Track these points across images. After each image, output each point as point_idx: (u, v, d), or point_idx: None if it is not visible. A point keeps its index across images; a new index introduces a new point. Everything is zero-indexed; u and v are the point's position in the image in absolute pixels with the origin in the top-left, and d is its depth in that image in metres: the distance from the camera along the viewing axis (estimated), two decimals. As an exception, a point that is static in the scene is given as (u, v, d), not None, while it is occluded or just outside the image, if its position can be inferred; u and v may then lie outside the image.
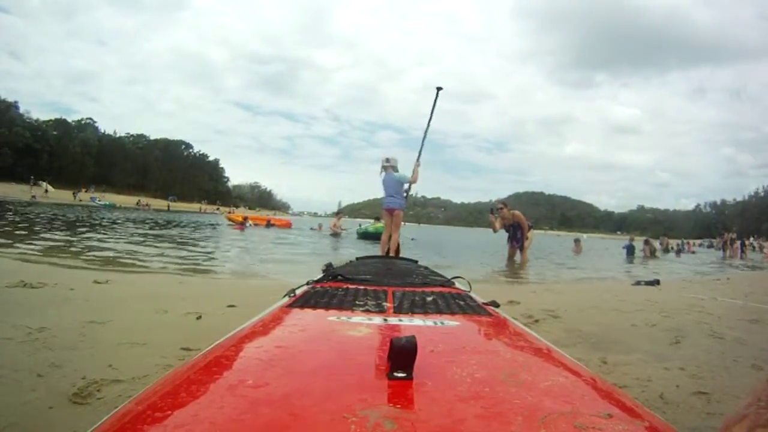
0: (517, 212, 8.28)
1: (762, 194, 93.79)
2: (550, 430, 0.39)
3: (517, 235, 8.19)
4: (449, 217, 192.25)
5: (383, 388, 0.47)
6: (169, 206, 41.10)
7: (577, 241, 14.06)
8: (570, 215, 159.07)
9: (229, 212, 21.92)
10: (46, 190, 31.84)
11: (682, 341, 2.32)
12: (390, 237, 5.44)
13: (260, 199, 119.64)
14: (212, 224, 19.12)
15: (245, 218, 20.01)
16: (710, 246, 26.38)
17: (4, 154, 44.08)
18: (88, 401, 1.28)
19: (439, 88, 5.31)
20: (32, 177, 38.87)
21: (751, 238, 21.80)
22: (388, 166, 5.38)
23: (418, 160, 5.31)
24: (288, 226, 20.72)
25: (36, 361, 1.51)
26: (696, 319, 2.95)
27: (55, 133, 55.86)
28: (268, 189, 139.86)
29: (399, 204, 5.39)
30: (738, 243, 17.72)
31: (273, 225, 19.91)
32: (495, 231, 8.45)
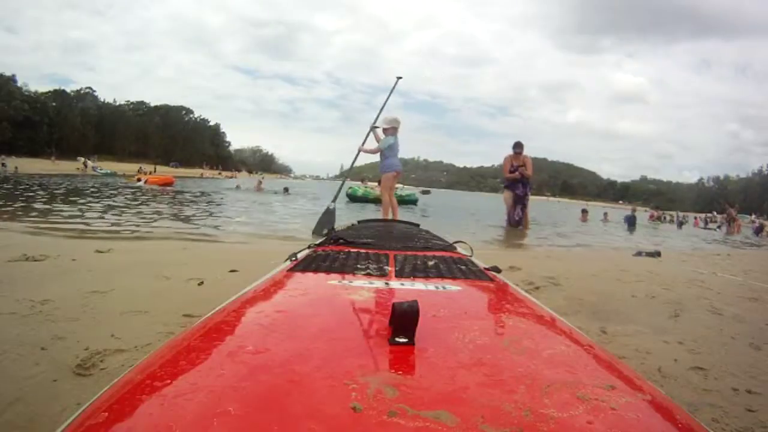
0: (528, 159, 8.06)
1: (766, 172, 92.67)
2: (552, 400, 0.39)
3: (518, 188, 7.96)
4: (451, 181, 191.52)
5: (385, 353, 0.46)
6: (155, 169, 41.20)
7: (584, 211, 14.42)
8: (572, 183, 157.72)
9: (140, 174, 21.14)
10: (85, 165, 34.26)
11: (682, 315, 2.32)
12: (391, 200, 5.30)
13: (262, 162, 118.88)
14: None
15: (138, 179, 17.94)
16: (710, 222, 22.32)
17: (4, 128, 43.22)
18: (91, 372, 1.27)
19: (398, 78, 5.48)
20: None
21: (753, 216, 21.54)
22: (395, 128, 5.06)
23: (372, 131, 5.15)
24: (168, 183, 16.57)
25: (39, 335, 1.50)
26: (696, 293, 2.95)
27: (54, 104, 54.55)
28: (269, 153, 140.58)
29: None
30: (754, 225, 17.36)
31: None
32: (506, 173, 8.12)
